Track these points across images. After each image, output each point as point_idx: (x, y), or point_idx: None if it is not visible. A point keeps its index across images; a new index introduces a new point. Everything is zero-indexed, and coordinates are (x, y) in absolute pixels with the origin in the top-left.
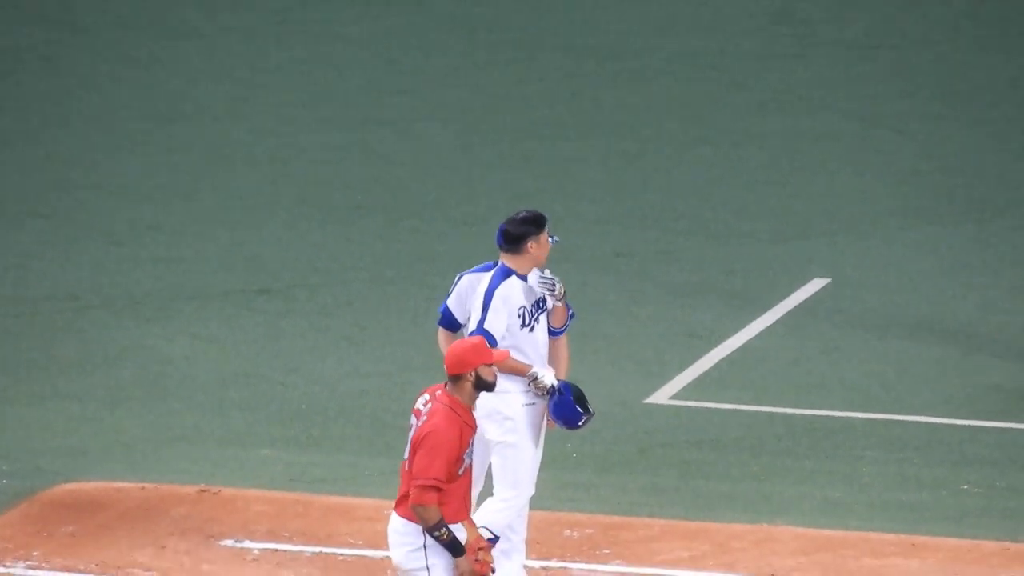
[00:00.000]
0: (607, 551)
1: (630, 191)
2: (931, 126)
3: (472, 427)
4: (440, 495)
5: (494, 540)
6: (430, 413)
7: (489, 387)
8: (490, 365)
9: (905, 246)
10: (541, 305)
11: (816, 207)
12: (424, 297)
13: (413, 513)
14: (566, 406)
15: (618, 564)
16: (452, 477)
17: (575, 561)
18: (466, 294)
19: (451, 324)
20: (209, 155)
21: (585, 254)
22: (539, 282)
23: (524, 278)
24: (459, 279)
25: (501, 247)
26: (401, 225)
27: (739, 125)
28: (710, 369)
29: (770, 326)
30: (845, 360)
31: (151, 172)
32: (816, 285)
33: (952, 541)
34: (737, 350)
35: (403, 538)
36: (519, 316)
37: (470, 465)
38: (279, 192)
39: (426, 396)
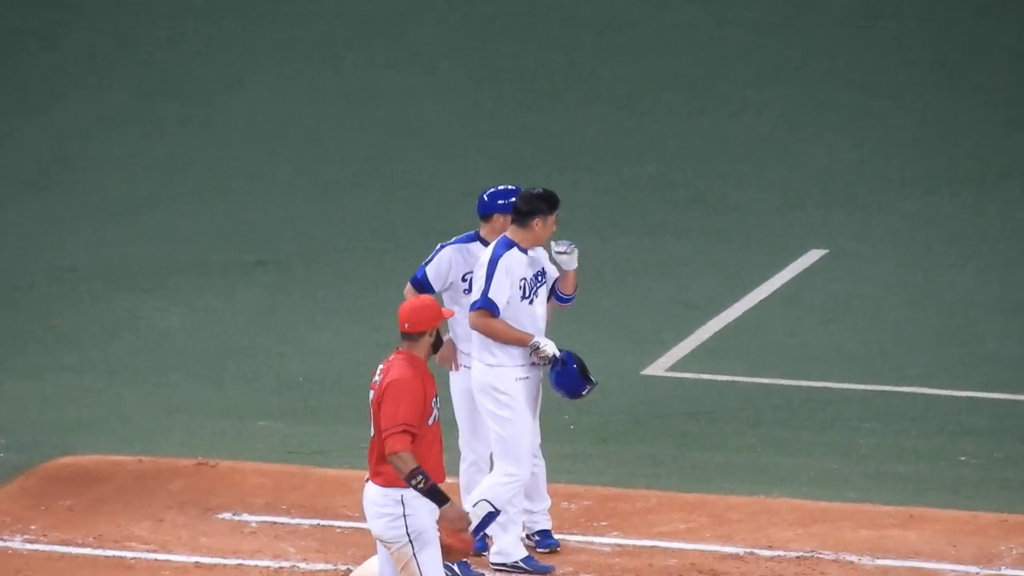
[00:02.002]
0: (604, 523)
1: (627, 162)
2: (929, 96)
3: (432, 377)
4: (414, 445)
5: (495, 514)
6: (385, 371)
7: (440, 345)
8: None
9: (903, 216)
10: (540, 278)
11: (814, 178)
12: None
13: (390, 465)
14: (570, 376)
15: (615, 536)
16: (421, 422)
17: (572, 533)
18: (447, 265)
19: (422, 287)
20: (206, 129)
21: (582, 225)
22: (557, 253)
23: (525, 251)
24: (440, 249)
25: (483, 219)
26: (398, 197)
27: (737, 96)
28: (707, 340)
29: (767, 297)
30: (842, 331)
31: (148, 146)
32: (813, 256)
33: (950, 512)
34: (734, 321)
35: (381, 509)
36: (520, 288)
37: (439, 419)
38: (276, 165)
39: (380, 367)
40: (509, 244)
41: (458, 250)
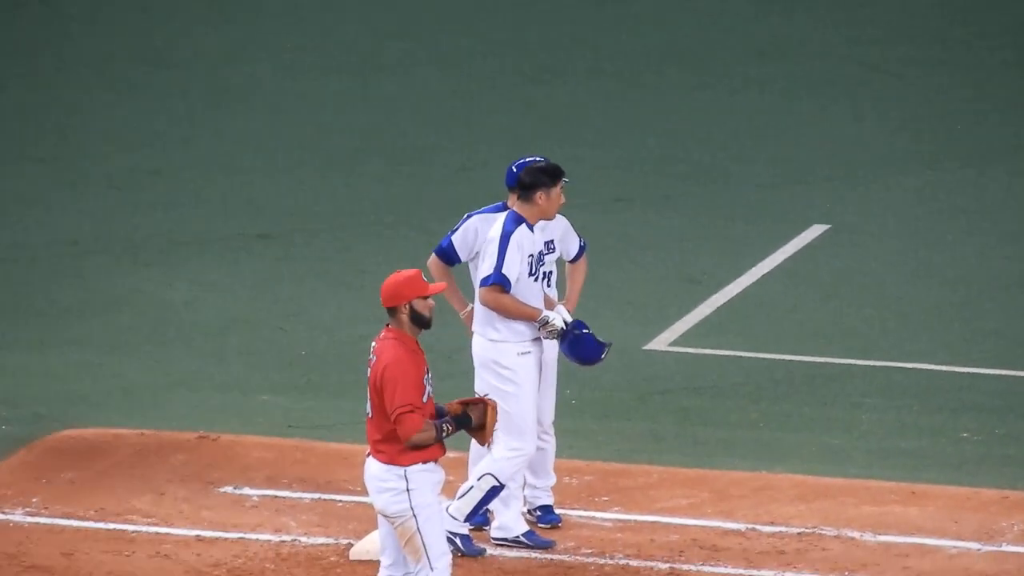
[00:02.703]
0: (606, 498)
1: (629, 137)
2: (931, 72)
3: (422, 353)
4: (416, 416)
5: (499, 488)
6: (378, 352)
7: (425, 322)
8: (426, 298)
9: (904, 192)
10: (542, 257)
11: (815, 153)
12: (423, 242)
13: (390, 444)
14: (586, 342)
15: (617, 511)
16: (420, 399)
17: (574, 508)
18: (473, 235)
19: (448, 257)
20: (208, 100)
21: (584, 199)
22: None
23: (532, 228)
24: (468, 218)
25: (511, 189)
26: (400, 170)
27: (738, 71)
28: (709, 315)
29: (769, 272)
30: (844, 307)
31: (150, 117)
32: (815, 231)
33: (951, 489)
34: (736, 296)
35: (383, 484)
36: (528, 264)
37: (432, 395)
38: (278, 137)
39: (374, 344)
40: (518, 220)
41: (485, 220)
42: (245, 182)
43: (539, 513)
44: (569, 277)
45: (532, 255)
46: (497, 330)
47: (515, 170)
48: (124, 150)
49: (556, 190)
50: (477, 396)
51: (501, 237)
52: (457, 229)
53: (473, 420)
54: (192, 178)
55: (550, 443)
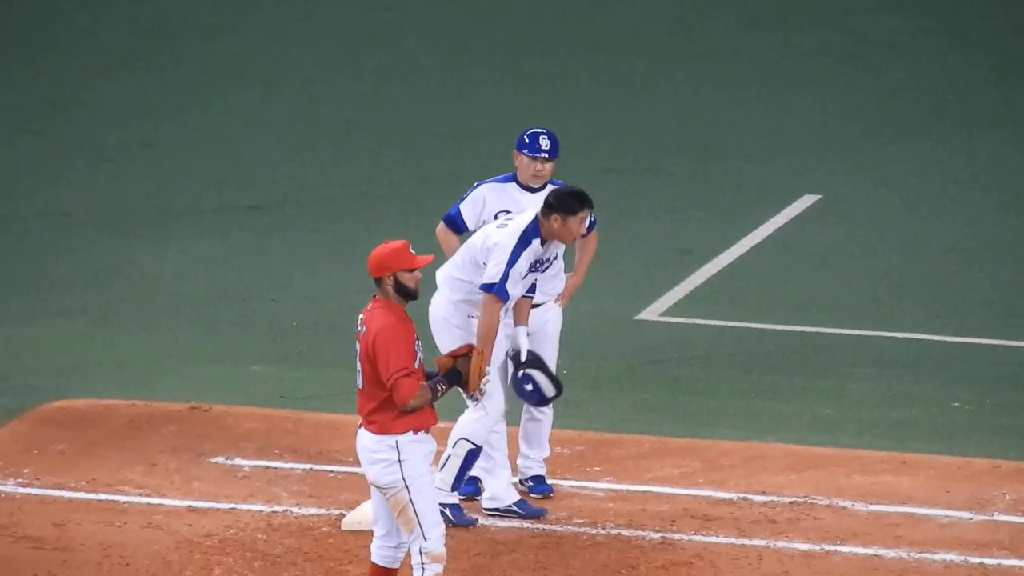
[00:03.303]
0: (597, 468)
1: (620, 108)
2: (921, 42)
3: (411, 322)
4: (412, 380)
5: (476, 451)
6: (366, 322)
7: (410, 293)
8: (411, 270)
9: (895, 162)
10: (537, 267)
11: (806, 123)
12: (414, 214)
13: (382, 414)
14: (521, 390)
15: (608, 481)
16: (413, 364)
17: (565, 478)
18: (481, 204)
19: (455, 225)
20: (200, 72)
21: (575, 171)
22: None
23: (543, 242)
24: (477, 186)
25: (519, 153)
26: (391, 142)
27: (729, 42)
28: (700, 286)
29: (760, 243)
30: (835, 277)
31: (142, 89)
32: (806, 202)
33: (943, 458)
34: (727, 267)
35: (375, 455)
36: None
37: (422, 362)
38: (270, 109)
39: (361, 316)
40: (534, 234)
41: (493, 189)
42: (236, 154)
43: (531, 483)
44: (578, 251)
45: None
46: (459, 293)
47: (527, 139)
48: (115, 122)
49: (575, 219)
50: (463, 346)
51: (512, 252)
52: (466, 197)
53: (464, 374)
54: (183, 150)
55: (547, 414)
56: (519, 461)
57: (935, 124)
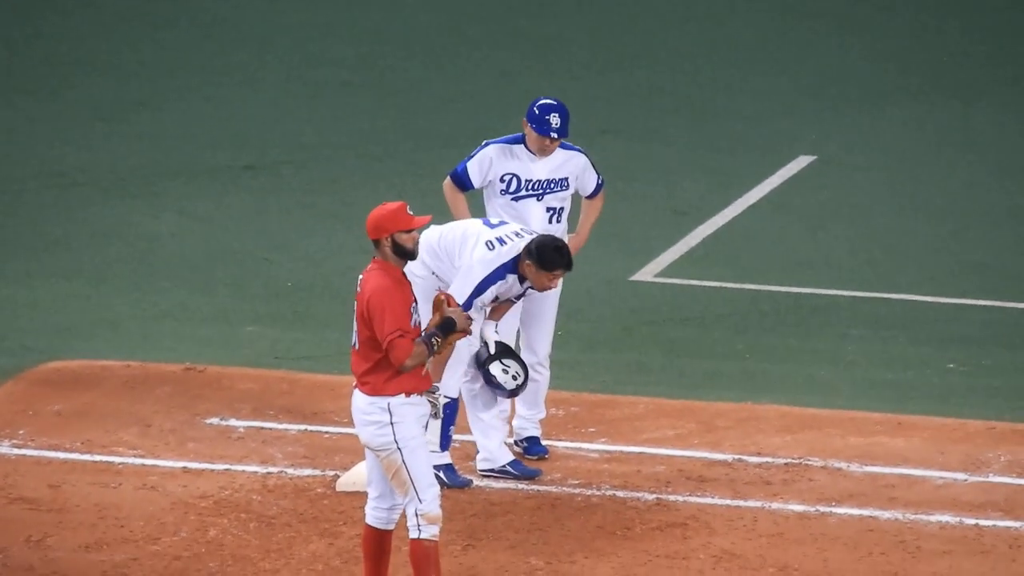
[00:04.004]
0: (592, 429)
1: (616, 68)
2: (917, 5)
3: (408, 283)
4: (407, 340)
5: (454, 402)
6: (363, 283)
7: (408, 254)
8: (409, 231)
9: (891, 124)
10: (514, 300)
11: (802, 84)
12: (411, 173)
13: (375, 375)
14: (488, 383)
15: (603, 442)
16: (408, 324)
17: (560, 439)
18: (488, 164)
19: (462, 182)
20: (196, 31)
21: (571, 132)
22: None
23: (521, 281)
24: (485, 146)
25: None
26: (388, 102)
27: (725, 3)
28: (695, 247)
29: (755, 204)
30: (831, 238)
31: (137, 48)
32: (802, 163)
33: (938, 420)
34: (722, 228)
35: (368, 417)
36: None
37: (419, 324)
38: (266, 69)
39: (361, 277)
40: (512, 269)
41: (501, 150)
42: (232, 114)
43: (526, 444)
44: (583, 212)
45: (497, 297)
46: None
47: (536, 112)
48: (110, 81)
49: (548, 274)
50: (439, 292)
51: (485, 279)
52: (473, 156)
53: (457, 323)
54: (179, 109)
55: (543, 376)
56: (515, 422)
57: (931, 87)
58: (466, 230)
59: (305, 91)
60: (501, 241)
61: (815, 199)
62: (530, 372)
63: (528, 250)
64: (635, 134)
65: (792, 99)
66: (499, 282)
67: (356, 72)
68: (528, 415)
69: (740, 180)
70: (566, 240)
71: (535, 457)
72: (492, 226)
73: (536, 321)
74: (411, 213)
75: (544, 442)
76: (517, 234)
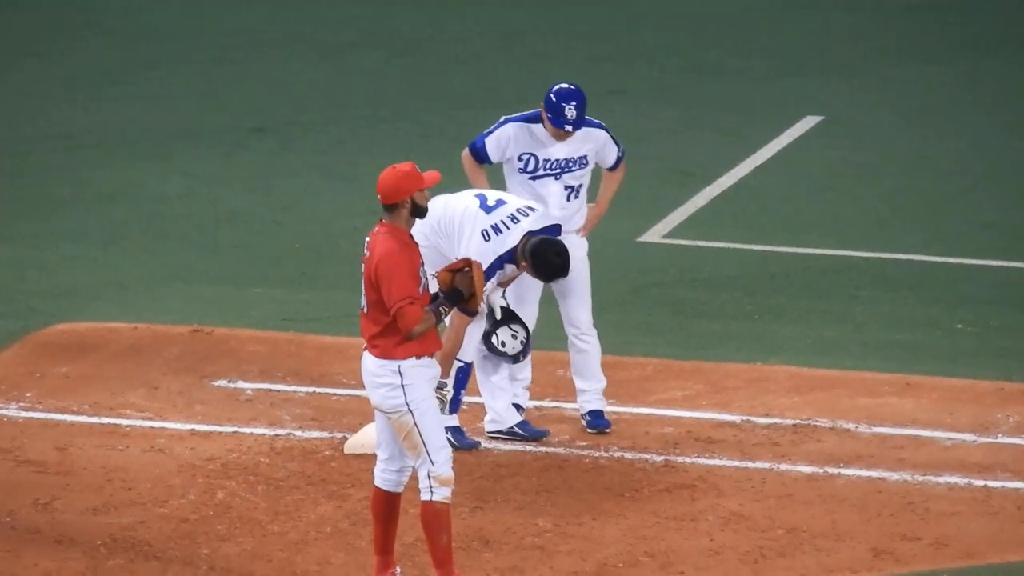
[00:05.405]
0: None
1: (624, 29)
2: None
3: (416, 247)
4: (416, 307)
5: (467, 367)
6: (371, 246)
7: (423, 212)
8: (423, 190)
9: (899, 84)
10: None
11: (809, 45)
12: (418, 134)
13: (385, 339)
14: (497, 351)
15: (612, 403)
16: (417, 290)
17: (568, 401)
18: (506, 141)
19: (479, 157)
20: None
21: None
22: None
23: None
24: (504, 123)
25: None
26: (395, 63)
27: None
28: (703, 207)
29: (763, 164)
30: (839, 198)
31: (146, 10)
32: (809, 123)
33: (947, 381)
34: (730, 188)
35: (379, 379)
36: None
37: (428, 288)
38: (273, 30)
39: (367, 239)
40: (509, 259)
41: (520, 127)
42: (239, 75)
43: (588, 418)
44: (603, 183)
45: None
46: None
47: (553, 98)
48: (119, 43)
49: (528, 278)
50: (460, 260)
51: (484, 271)
52: (492, 132)
53: (464, 292)
54: (186, 71)
55: (591, 343)
56: (578, 397)
57: (938, 46)
58: (464, 213)
59: (312, 52)
60: (496, 229)
61: (823, 159)
62: (576, 343)
63: (526, 251)
64: (643, 94)
65: (799, 59)
66: (497, 272)
67: (363, 33)
68: (588, 387)
69: (748, 140)
70: (584, 212)
71: (595, 431)
72: (488, 209)
73: (570, 292)
74: (420, 171)
75: (552, 403)
76: (513, 218)
